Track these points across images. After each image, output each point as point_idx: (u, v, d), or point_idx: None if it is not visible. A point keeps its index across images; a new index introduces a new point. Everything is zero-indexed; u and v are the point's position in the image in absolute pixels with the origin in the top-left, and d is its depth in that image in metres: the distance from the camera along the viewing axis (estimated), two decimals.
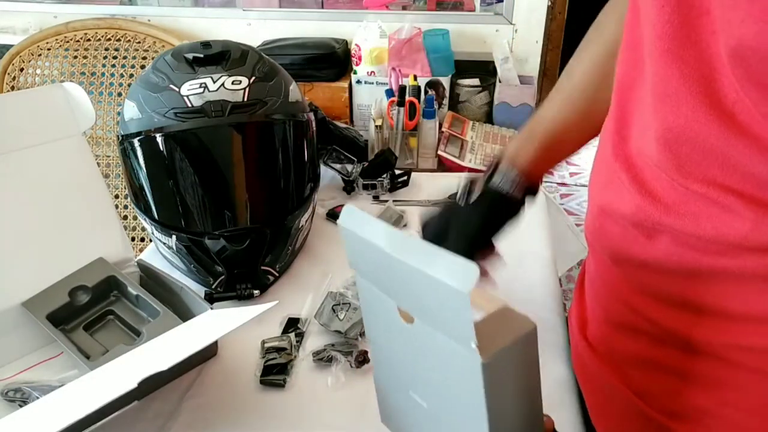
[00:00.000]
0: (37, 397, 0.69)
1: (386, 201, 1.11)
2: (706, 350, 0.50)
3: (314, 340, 0.80)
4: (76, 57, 1.69)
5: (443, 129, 1.41)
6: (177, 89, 0.85)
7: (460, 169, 1.31)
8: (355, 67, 1.55)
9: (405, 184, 1.17)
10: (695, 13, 0.41)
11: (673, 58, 0.43)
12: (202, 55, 0.88)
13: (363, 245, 0.43)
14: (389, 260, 0.41)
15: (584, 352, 0.67)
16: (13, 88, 1.70)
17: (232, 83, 0.86)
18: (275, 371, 0.74)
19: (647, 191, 0.49)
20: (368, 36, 1.52)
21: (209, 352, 0.78)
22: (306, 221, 0.97)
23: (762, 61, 0.37)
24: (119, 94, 1.68)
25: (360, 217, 0.44)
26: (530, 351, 0.42)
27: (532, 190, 0.71)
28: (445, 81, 1.50)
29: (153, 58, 1.25)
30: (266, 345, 0.78)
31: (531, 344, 0.42)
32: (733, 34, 0.38)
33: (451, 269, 0.36)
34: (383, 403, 0.56)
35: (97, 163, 0.88)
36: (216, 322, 0.70)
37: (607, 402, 0.63)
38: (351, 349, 0.76)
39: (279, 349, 0.77)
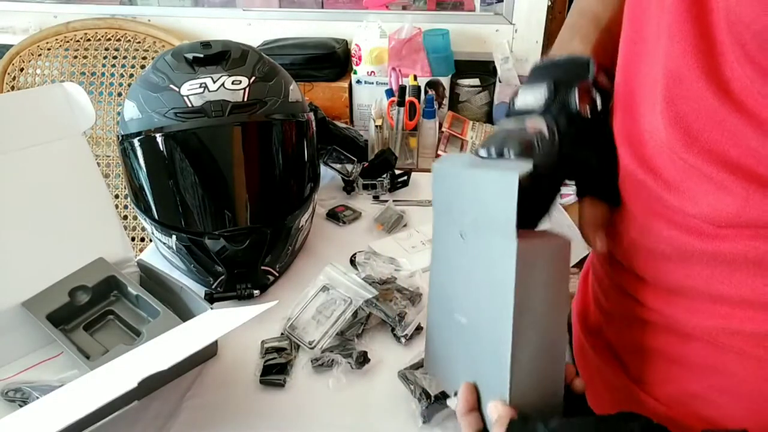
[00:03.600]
0: (37, 397, 0.69)
1: (386, 201, 1.11)
2: (698, 336, 0.51)
3: None
4: (76, 57, 1.69)
5: (443, 129, 1.41)
6: (177, 89, 0.85)
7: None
8: (355, 67, 1.55)
9: (405, 184, 1.17)
10: None
11: (675, 33, 0.45)
12: (202, 55, 0.88)
13: (448, 176, 0.53)
14: (463, 177, 0.50)
15: (584, 340, 0.68)
16: (13, 88, 1.70)
17: (232, 83, 0.86)
18: (275, 371, 0.74)
19: (649, 167, 0.50)
20: (368, 36, 1.52)
21: (209, 352, 0.78)
22: (306, 221, 0.97)
23: (755, 37, 0.38)
24: (119, 94, 1.68)
25: (451, 157, 0.55)
26: (562, 262, 0.46)
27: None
28: (445, 81, 1.50)
29: (153, 58, 1.25)
30: (266, 345, 0.78)
31: (564, 255, 0.46)
32: (731, 12, 0.40)
33: (506, 166, 0.45)
34: (430, 344, 0.62)
35: (97, 163, 0.88)
36: (216, 322, 0.70)
37: (605, 388, 0.64)
38: (350, 351, 0.76)
39: (279, 350, 0.77)
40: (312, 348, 0.77)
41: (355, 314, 0.79)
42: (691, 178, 0.47)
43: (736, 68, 0.41)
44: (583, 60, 0.56)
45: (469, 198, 0.50)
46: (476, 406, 0.50)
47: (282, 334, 0.80)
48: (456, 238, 0.52)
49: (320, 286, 0.83)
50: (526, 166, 0.43)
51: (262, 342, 0.78)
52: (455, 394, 0.54)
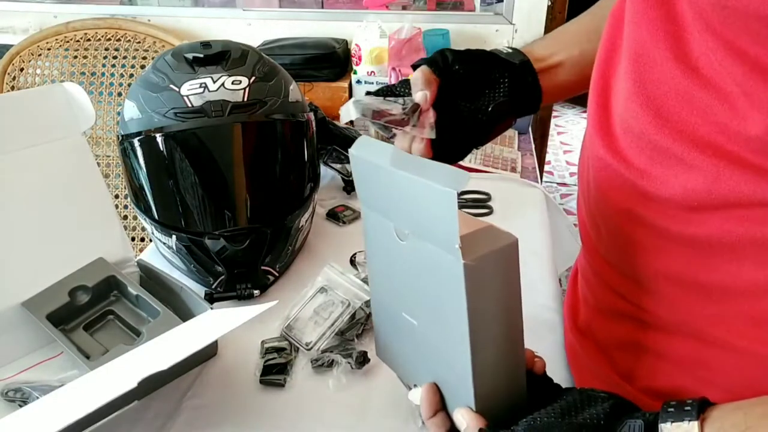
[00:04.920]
0: (37, 397, 0.69)
1: None
2: (682, 330, 0.52)
3: None
4: (76, 57, 1.69)
5: None
6: (177, 89, 0.85)
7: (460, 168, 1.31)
8: (355, 67, 1.55)
9: None
10: None
11: (642, 19, 0.47)
12: (202, 55, 0.88)
13: (370, 168, 0.48)
14: (390, 176, 0.45)
15: (575, 340, 0.69)
16: (13, 88, 1.70)
17: (232, 83, 0.86)
18: (275, 371, 0.74)
19: (622, 157, 0.51)
20: (368, 36, 1.52)
21: (209, 352, 0.78)
22: (306, 221, 0.97)
23: (714, 9, 0.40)
24: (119, 94, 1.68)
25: (370, 144, 0.48)
26: (510, 262, 0.44)
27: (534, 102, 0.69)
28: None
29: (153, 58, 1.25)
30: (266, 345, 0.78)
31: (511, 256, 0.44)
32: None
33: (442, 174, 0.40)
34: (379, 335, 0.60)
35: (97, 163, 0.88)
36: (216, 322, 0.70)
37: (594, 384, 0.64)
38: (350, 351, 0.75)
39: (279, 350, 0.77)
40: (309, 349, 0.76)
41: (353, 315, 0.79)
42: (662, 162, 0.48)
43: (701, 44, 0.43)
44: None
45: (400, 199, 0.46)
46: (441, 406, 0.50)
47: (281, 334, 0.80)
48: (391, 235, 0.49)
49: (318, 287, 0.83)
50: (461, 178, 0.39)
51: (262, 342, 0.78)
52: (414, 386, 0.54)
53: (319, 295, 0.82)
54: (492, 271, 0.43)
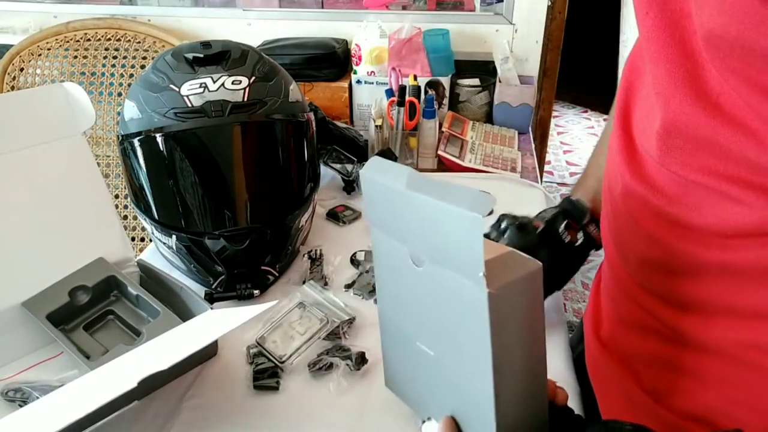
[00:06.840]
0: (37, 397, 0.69)
1: None
2: (713, 349, 0.51)
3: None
4: (76, 57, 1.69)
5: (443, 129, 1.41)
6: (177, 89, 0.85)
7: (460, 169, 1.31)
8: (355, 67, 1.55)
9: None
10: (677, 16, 0.44)
11: (660, 58, 0.46)
12: (202, 55, 0.88)
13: (383, 191, 0.46)
14: (406, 199, 0.43)
15: (597, 352, 0.67)
16: (13, 88, 1.70)
17: (232, 83, 0.86)
18: (267, 375, 0.74)
19: (650, 185, 0.51)
20: (368, 36, 1.52)
21: (209, 352, 0.78)
22: (306, 221, 0.97)
23: (731, 48, 0.39)
24: (119, 94, 1.68)
25: (384, 165, 0.46)
26: (535, 290, 0.43)
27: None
28: (445, 81, 1.50)
29: (153, 58, 1.25)
30: (251, 351, 0.77)
31: (536, 283, 0.42)
32: (705, 28, 0.41)
33: (466, 198, 0.37)
34: (389, 364, 0.58)
35: (97, 163, 0.88)
36: (216, 322, 0.70)
37: (619, 400, 0.63)
38: (348, 353, 0.75)
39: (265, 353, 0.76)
40: (282, 362, 0.75)
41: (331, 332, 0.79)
42: (693, 192, 0.47)
43: (722, 83, 0.42)
44: (584, 208, 0.75)
45: (417, 224, 0.44)
46: None
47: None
48: (405, 260, 0.46)
49: (297, 302, 0.82)
50: (486, 201, 0.37)
51: (248, 348, 0.78)
52: (428, 419, 0.52)
53: (296, 310, 0.82)
54: (516, 299, 0.41)
